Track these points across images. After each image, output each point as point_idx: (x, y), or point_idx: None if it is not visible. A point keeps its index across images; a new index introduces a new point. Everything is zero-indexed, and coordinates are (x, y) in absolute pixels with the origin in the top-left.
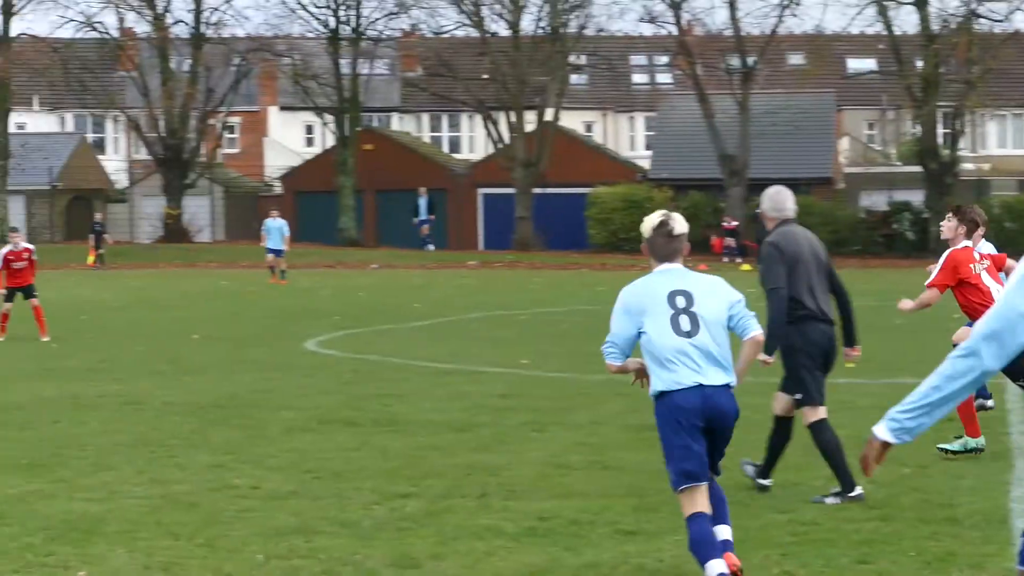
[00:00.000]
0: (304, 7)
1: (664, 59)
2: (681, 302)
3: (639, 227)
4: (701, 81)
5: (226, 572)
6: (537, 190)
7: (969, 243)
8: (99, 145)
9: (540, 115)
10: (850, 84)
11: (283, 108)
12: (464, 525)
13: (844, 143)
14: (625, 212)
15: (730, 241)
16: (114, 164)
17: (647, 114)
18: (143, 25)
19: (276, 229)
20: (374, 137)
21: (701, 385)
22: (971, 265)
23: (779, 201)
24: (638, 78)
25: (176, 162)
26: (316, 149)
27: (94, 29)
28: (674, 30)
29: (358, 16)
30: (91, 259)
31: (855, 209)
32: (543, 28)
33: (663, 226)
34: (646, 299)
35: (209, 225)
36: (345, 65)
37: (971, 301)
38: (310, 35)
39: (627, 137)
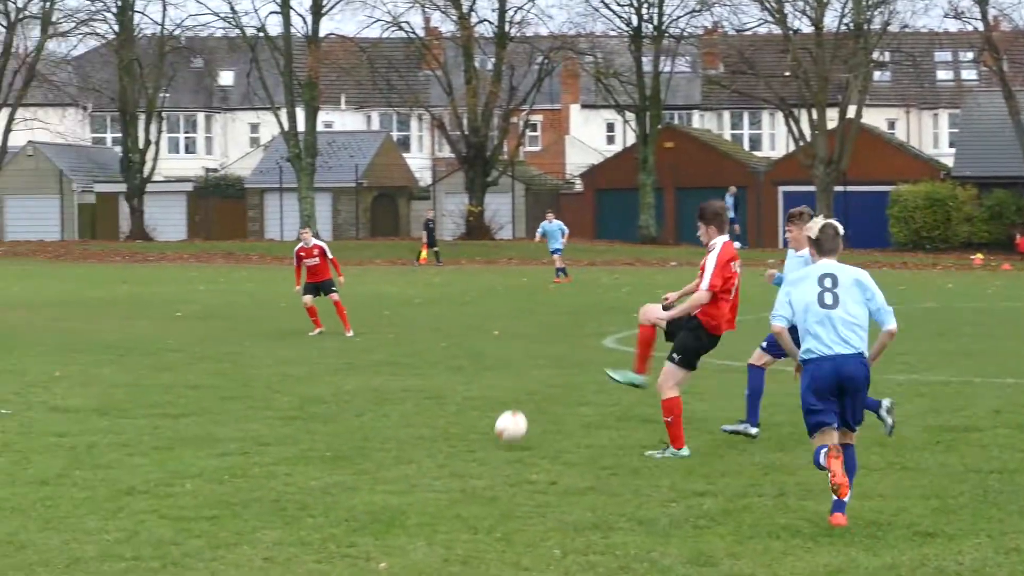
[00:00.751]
0: (607, 5)
1: (969, 55)
2: (828, 283)
3: (942, 226)
4: (1007, 77)
5: (523, 566)
6: (838, 188)
7: (728, 238)
8: (403, 143)
9: (842, 112)
10: None
11: (584, 106)
12: (761, 524)
13: None
14: (928, 210)
15: None
16: (418, 162)
17: (951, 111)
18: (448, 24)
19: (555, 230)
20: (675, 135)
21: (836, 355)
22: (733, 263)
23: None
24: (942, 74)
25: (479, 160)
26: (617, 147)
27: (400, 29)
28: (980, 25)
29: (660, 14)
30: (423, 255)
31: None
32: (846, 24)
33: (830, 226)
34: (801, 280)
35: (510, 222)
36: (647, 63)
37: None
38: (612, 33)
39: (930, 134)
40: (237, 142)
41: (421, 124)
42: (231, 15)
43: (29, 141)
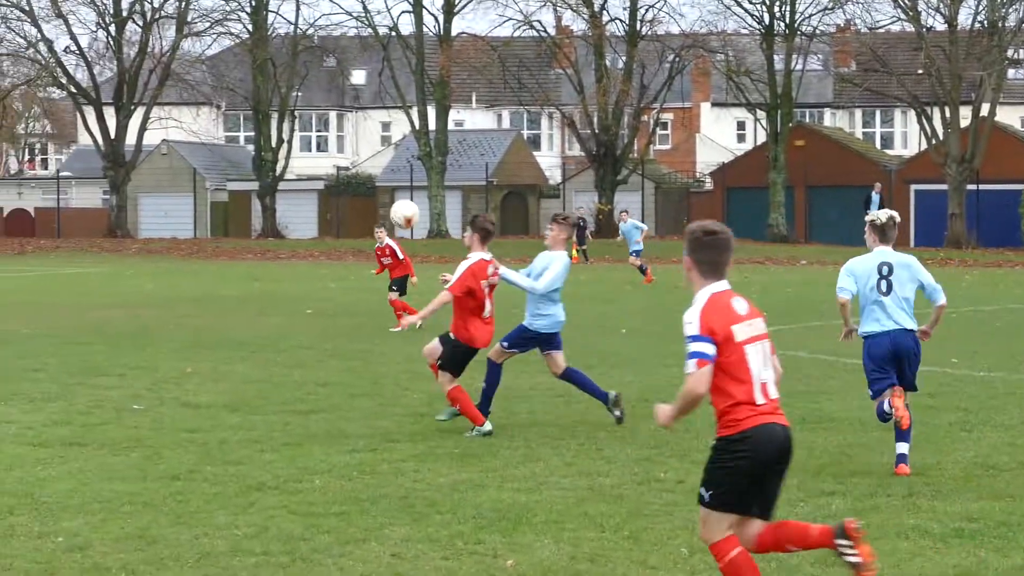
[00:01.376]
0: (739, 3)
1: None
2: (884, 271)
3: None
4: None
5: (650, 565)
6: (970, 186)
7: (485, 255)
8: (534, 141)
9: (975, 110)
10: None
11: (715, 104)
12: (890, 524)
13: None
14: None
15: None
16: (548, 160)
17: None
18: (579, 23)
19: (630, 230)
20: (806, 133)
21: (890, 331)
22: (482, 281)
23: None
24: None
25: (609, 158)
26: (747, 145)
27: (531, 27)
28: None
29: (792, 11)
30: (575, 253)
31: None
32: (980, 22)
33: (892, 217)
34: (863, 268)
35: (640, 220)
36: (778, 61)
37: (464, 309)
38: (744, 31)
39: None
40: (368, 140)
41: (551, 122)
42: (363, 14)
43: (163, 140)
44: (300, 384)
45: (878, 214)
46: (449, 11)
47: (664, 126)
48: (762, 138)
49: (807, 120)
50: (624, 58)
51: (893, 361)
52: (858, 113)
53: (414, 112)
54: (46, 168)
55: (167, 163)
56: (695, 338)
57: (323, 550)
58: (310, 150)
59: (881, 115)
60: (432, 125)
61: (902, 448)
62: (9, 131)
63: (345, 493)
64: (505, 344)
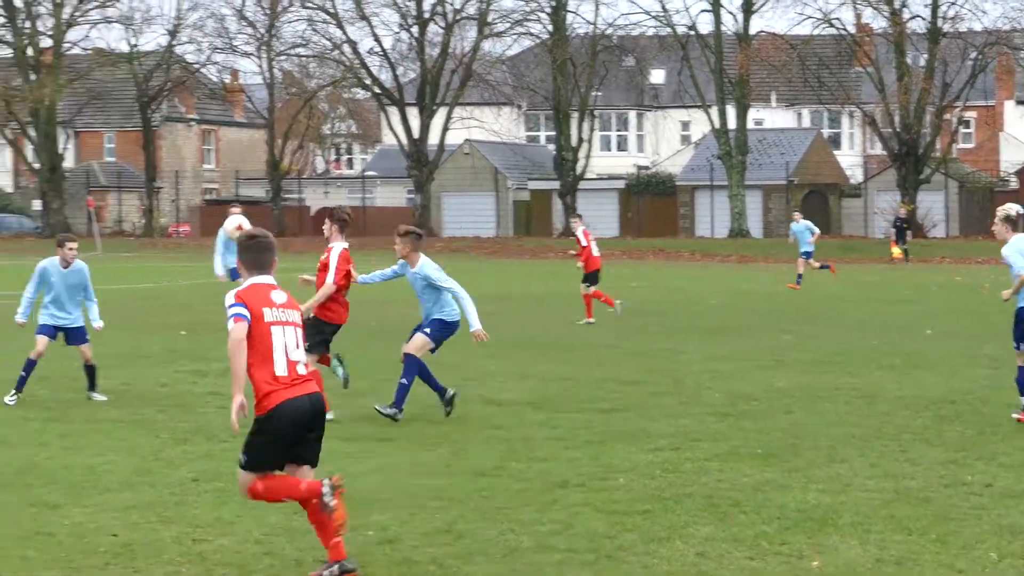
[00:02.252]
0: None
1: None
2: None
3: None
4: None
5: (958, 569)
6: None
7: (344, 244)
8: (834, 140)
9: None
10: None
11: (1020, 102)
12: None
13: None
14: None
15: None
16: (849, 159)
17: None
18: (880, 20)
19: (803, 231)
20: None
21: None
22: (349, 266)
23: None
24: None
25: (911, 157)
26: None
27: (831, 25)
28: None
29: None
30: (896, 252)
31: None
32: None
33: (1019, 212)
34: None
35: (944, 220)
36: None
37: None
38: None
39: None
40: (668, 140)
41: (852, 121)
42: (662, 14)
43: (466, 139)
44: (602, 382)
45: (1009, 208)
46: (748, 10)
47: (967, 124)
48: None
49: None
50: (926, 56)
51: None
52: None
53: (713, 111)
54: (351, 168)
55: (469, 163)
56: (232, 305)
57: (628, 548)
58: (610, 149)
59: None
60: (732, 124)
61: None
62: (315, 131)
63: (649, 491)
64: (432, 345)
